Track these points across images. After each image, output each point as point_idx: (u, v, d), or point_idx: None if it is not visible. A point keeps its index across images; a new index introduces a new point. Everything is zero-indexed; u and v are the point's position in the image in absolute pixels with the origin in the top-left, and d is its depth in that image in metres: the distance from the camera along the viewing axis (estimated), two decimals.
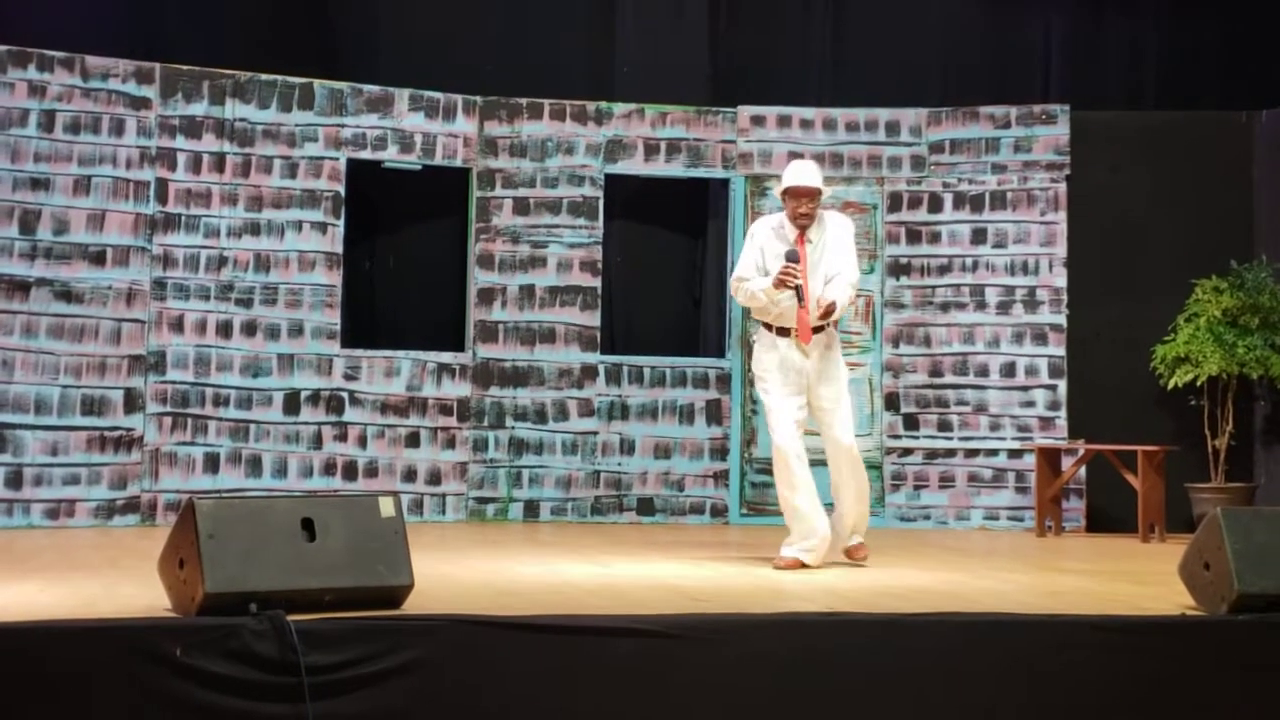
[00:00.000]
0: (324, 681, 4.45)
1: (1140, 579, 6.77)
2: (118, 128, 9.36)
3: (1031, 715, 4.78)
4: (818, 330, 7.02)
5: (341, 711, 4.47)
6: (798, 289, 6.90)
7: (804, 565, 6.90)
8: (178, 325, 9.45)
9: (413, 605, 5.01)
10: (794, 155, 10.36)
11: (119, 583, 5.87)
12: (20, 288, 9.06)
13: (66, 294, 9.17)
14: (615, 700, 4.66)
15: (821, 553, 6.98)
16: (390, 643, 4.55)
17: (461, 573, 6.58)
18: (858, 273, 7.22)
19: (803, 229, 7.09)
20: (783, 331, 7.03)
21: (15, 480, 8.95)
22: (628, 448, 10.17)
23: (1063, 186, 10.30)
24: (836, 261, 7.08)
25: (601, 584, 6.26)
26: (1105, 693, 4.80)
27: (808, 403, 7.08)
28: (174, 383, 9.41)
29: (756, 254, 7.17)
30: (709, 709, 4.69)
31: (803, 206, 7.06)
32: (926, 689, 4.78)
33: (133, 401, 9.30)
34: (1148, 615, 5.14)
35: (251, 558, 4.75)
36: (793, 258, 6.94)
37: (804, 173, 7.16)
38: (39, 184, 9.14)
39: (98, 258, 9.27)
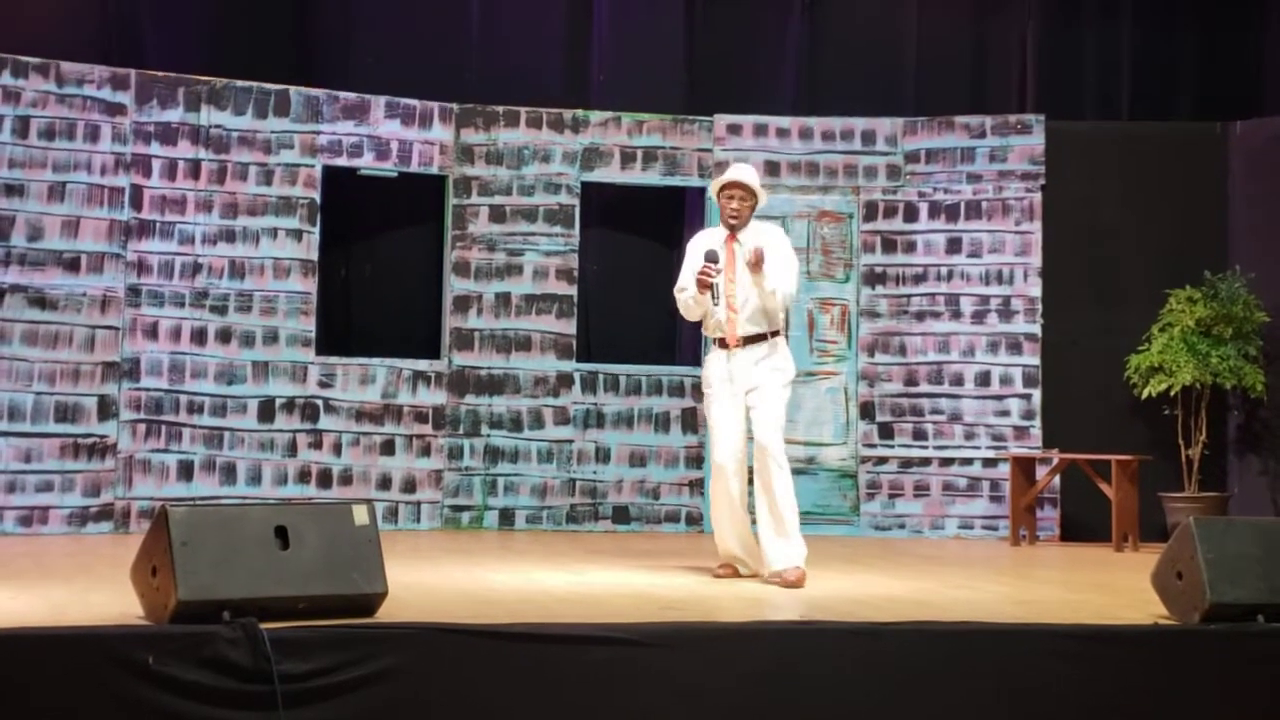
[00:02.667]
0: (297, 689, 4.45)
1: (1113, 588, 6.79)
2: (93, 134, 9.33)
3: None
4: (756, 340, 6.86)
5: (314, 719, 4.46)
6: (714, 287, 6.77)
7: (734, 573, 7.02)
8: (152, 332, 9.41)
9: (386, 613, 5.01)
10: (769, 164, 10.42)
11: (91, 590, 5.84)
12: None
13: (40, 300, 9.13)
14: (588, 708, 4.66)
15: (741, 563, 7.06)
16: (363, 651, 4.54)
17: (436, 580, 6.57)
18: (794, 283, 7.02)
19: (732, 229, 6.97)
20: (722, 343, 6.93)
21: None
22: (603, 456, 10.17)
23: (1038, 196, 10.34)
24: (774, 272, 6.86)
25: (575, 592, 6.27)
26: (1076, 703, 4.81)
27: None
28: (148, 390, 9.38)
29: (694, 261, 6.99)
30: (681, 717, 4.69)
31: (733, 202, 6.95)
32: (896, 698, 4.79)
33: (106, 408, 9.27)
34: (1119, 625, 5.16)
35: (224, 565, 4.74)
36: (711, 258, 6.80)
37: (738, 170, 7.13)
38: (13, 190, 9.11)
39: (72, 264, 9.23)
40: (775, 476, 6.75)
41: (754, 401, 6.81)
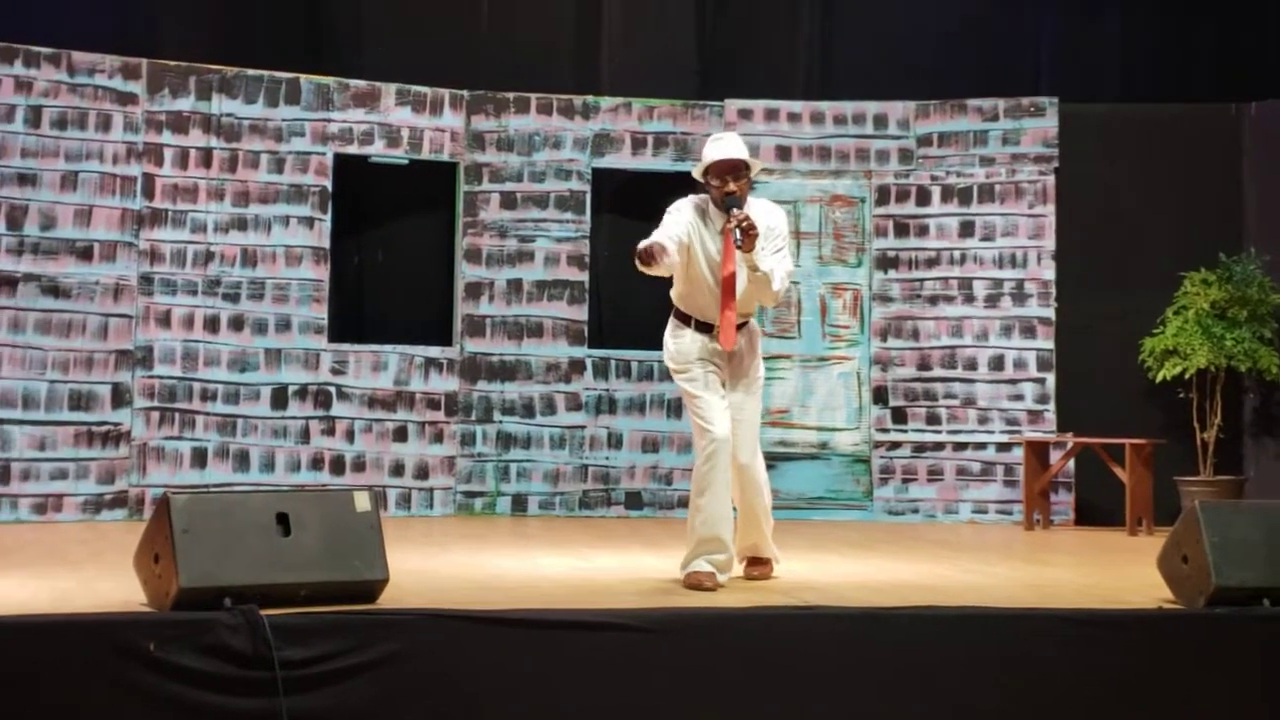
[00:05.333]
0: (298, 676, 4.47)
1: (1123, 573, 6.77)
2: (104, 123, 9.35)
3: (1006, 709, 4.78)
4: (738, 329, 6.10)
5: (315, 706, 4.48)
6: (745, 231, 5.83)
7: (716, 584, 5.89)
8: (165, 320, 9.44)
9: (388, 599, 5.02)
10: (781, 149, 10.39)
11: (98, 578, 5.87)
12: (7, 283, 9.06)
13: (54, 289, 9.17)
14: (589, 694, 4.66)
15: (729, 570, 6.06)
16: (363, 637, 4.56)
17: (442, 567, 6.59)
18: (790, 267, 6.16)
19: (731, 210, 5.93)
20: (702, 327, 6.11)
21: (3, 475, 8.95)
22: (615, 441, 10.17)
23: (1051, 179, 10.29)
24: (766, 259, 6.00)
25: (580, 578, 6.27)
26: (1080, 686, 4.80)
27: None
28: (161, 377, 9.41)
29: (680, 228, 6.04)
30: (682, 703, 4.70)
31: (728, 185, 5.96)
32: (901, 682, 4.78)
33: (120, 396, 9.30)
34: (1123, 609, 5.15)
35: (226, 552, 4.76)
36: (735, 204, 5.92)
37: (727, 145, 6.08)
38: (26, 179, 9.14)
39: (85, 253, 9.26)
40: (763, 494, 6.22)
41: (733, 406, 6.09)
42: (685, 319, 6.20)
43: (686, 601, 5.40)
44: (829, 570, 6.77)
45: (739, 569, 6.23)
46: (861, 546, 8.07)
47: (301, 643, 4.49)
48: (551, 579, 6.20)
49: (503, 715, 4.62)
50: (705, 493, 5.95)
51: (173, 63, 9.57)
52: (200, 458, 9.45)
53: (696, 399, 6.07)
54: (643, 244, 5.87)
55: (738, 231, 5.85)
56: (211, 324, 9.55)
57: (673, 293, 6.30)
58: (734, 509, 6.14)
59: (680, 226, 6.06)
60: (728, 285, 6.04)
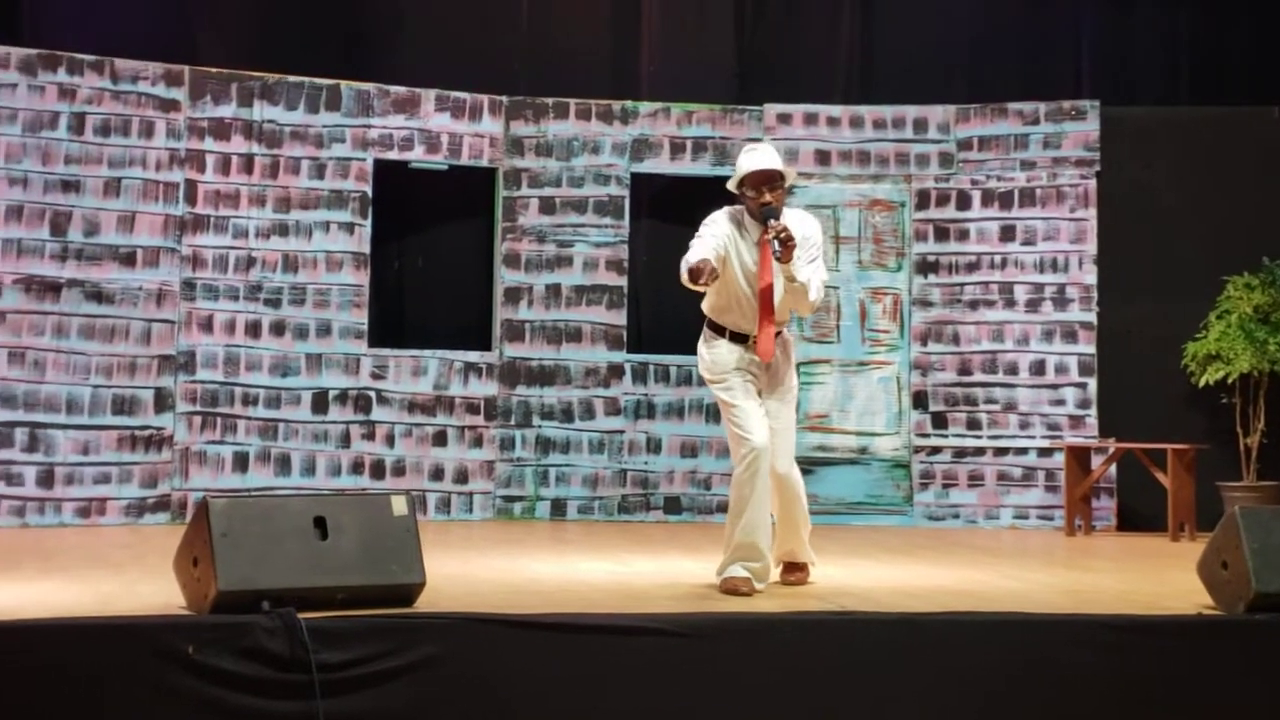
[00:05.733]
0: (335, 679, 4.49)
1: (1164, 579, 6.73)
2: (147, 130, 9.43)
3: (1043, 715, 4.76)
4: (775, 334, 6.12)
5: (352, 708, 4.50)
6: (784, 242, 5.81)
7: (752, 590, 5.88)
8: (207, 325, 9.51)
9: (425, 603, 5.04)
10: (820, 154, 10.38)
11: (139, 581, 5.92)
12: (51, 289, 9.14)
13: (97, 295, 9.24)
14: (624, 698, 4.67)
15: (766, 578, 6.04)
16: (400, 640, 4.57)
17: (479, 571, 6.61)
18: (825, 276, 6.17)
19: (768, 221, 5.93)
20: (737, 338, 6.11)
21: (47, 479, 9.03)
22: (654, 446, 10.18)
23: (1092, 183, 10.24)
24: (803, 269, 6.00)
25: (617, 582, 6.28)
26: (1117, 693, 4.77)
27: None
28: (203, 382, 9.48)
29: (718, 241, 6.06)
30: (718, 708, 4.70)
31: (765, 195, 5.97)
32: (938, 687, 4.77)
33: (163, 401, 9.37)
34: (1162, 615, 5.11)
35: (264, 556, 4.78)
36: (772, 214, 5.92)
37: (763, 156, 6.09)
38: (69, 186, 9.22)
39: (128, 259, 9.34)
40: (801, 502, 6.21)
41: (769, 414, 6.08)
42: (719, 330, 6.20)
43: (722, 606, 5.39)
44: (867, 575, 6.75)
45: (775, 575, 6.22)
46: (901, 552, 8.05)
47: (339, 646, 4.51)
48: (588, 583, 6.21)
49: (539, 717, 4.62)
50: (744, 500, 5.95)
51: (215, 69, 9.65)
52: (242, 462, 9.51)
53: (734, 408, 6.06)
54: (689, 261, 5.88)
55: (776, 242, 5.84)
56: (253, 329, 9.61)
57: (705, 305, 6.30)
58: (772, 517, 6.12)
59: (717, 240, 6.06)
60: (765, 296, 6.04)
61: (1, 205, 9.04)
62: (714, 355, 6.19)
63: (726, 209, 6.23)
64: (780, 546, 6.22)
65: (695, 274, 5.84)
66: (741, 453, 5.99)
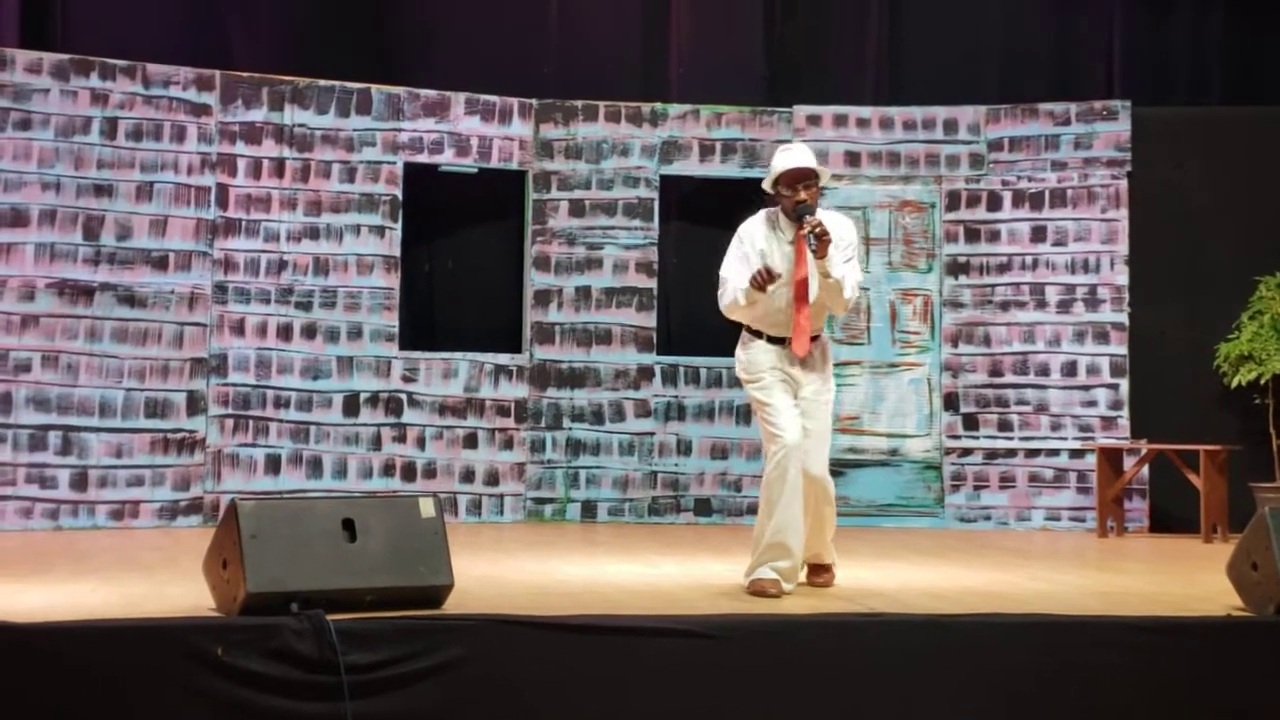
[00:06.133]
0: (363, 680, 4.49)
1: (1195, 580, 6.70)
2: (179, 134, 9.48)
3: (1070, 716, 4.74)
4: (811, 340, 6.19)
5: (380, 710, 4.50)
6: (819, 237, 5.91)
7: (780, 592, 5.90)
8: (239, 328, 9.56)
9: (454, 605, 5.06)
10: (849, 155, 10.37)
11: (170, 583, 5.95)
12: (84, 293, 9.20)
13: (130, 298, 9.30)
14: (651, 699, 4.66)
15: (794, 579, 6.07)
16: (428, 642, 4.58)
17: (508, 573, 6.62)
18: (859, 276, 6.26)
19: (802, 221, 6.02)
20: (774, 340, 6.18)
21: (80, 482, 9.09)
22: (685, 448, 10.19)
23: (1124, 183, 10.20)
24: (839, 266, 6.09)
25: (645, 584, 6.28)
26: (1145, 694, 4.74)
27: None
28: (235, 385, 9.53)
29: (752, 256, 6.17)
30: (745, 709, 4.69)
31: (800, 194, 6.04)
32: (965, 689, 4.75)
33: (195, 404, 9.42)
34: (1190, 616, 5.09)
35: (293, 558, 4.82)
36: (807, 211, 5.99)
37: (797, 155, 6.17)
38: (102, 190, 9.28)
39: (160, 262, 9.39)
40: (830, 503, 6.24)
41: (804, 417, 6.10)
42: (756, 334, 6.27)
43: (750, 607, 5.39)
44: (896, 577, 6.74)
45: (802, 576, 6.23)
46: (931, 554, 8.03)
47: (367, 647, 4.52)
48: (616, 585, 6.22)
49: (566, 719, 4.64)
50: (774, 501, 5.97)
51: (246, 74, 9.70)
52: (274, 464, 9.56)
53: (767, 405, 6.11)
54: (739, 287, 6.09)
55: (811, 238, 5.92)
56: (284, 332, 9.66)
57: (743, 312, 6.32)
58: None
59: (747, 259, 6.17)
60: (800, 290, 6.11)
61: (35, 209, 9.10)
62: (750, 355, 6.26)
63: (761, 212, 6.32)
64: (807, 550, 6.21)
65: (763, 280, 5.96)
66: (772, 449, 6.03)
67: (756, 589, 5.89)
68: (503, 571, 6.66)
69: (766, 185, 6.26)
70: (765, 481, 6.05)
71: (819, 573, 6.33)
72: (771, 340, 6.20)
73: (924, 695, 4.76)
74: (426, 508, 5.11)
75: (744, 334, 6.33)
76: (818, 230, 5.92)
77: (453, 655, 4.58)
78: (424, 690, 4.55)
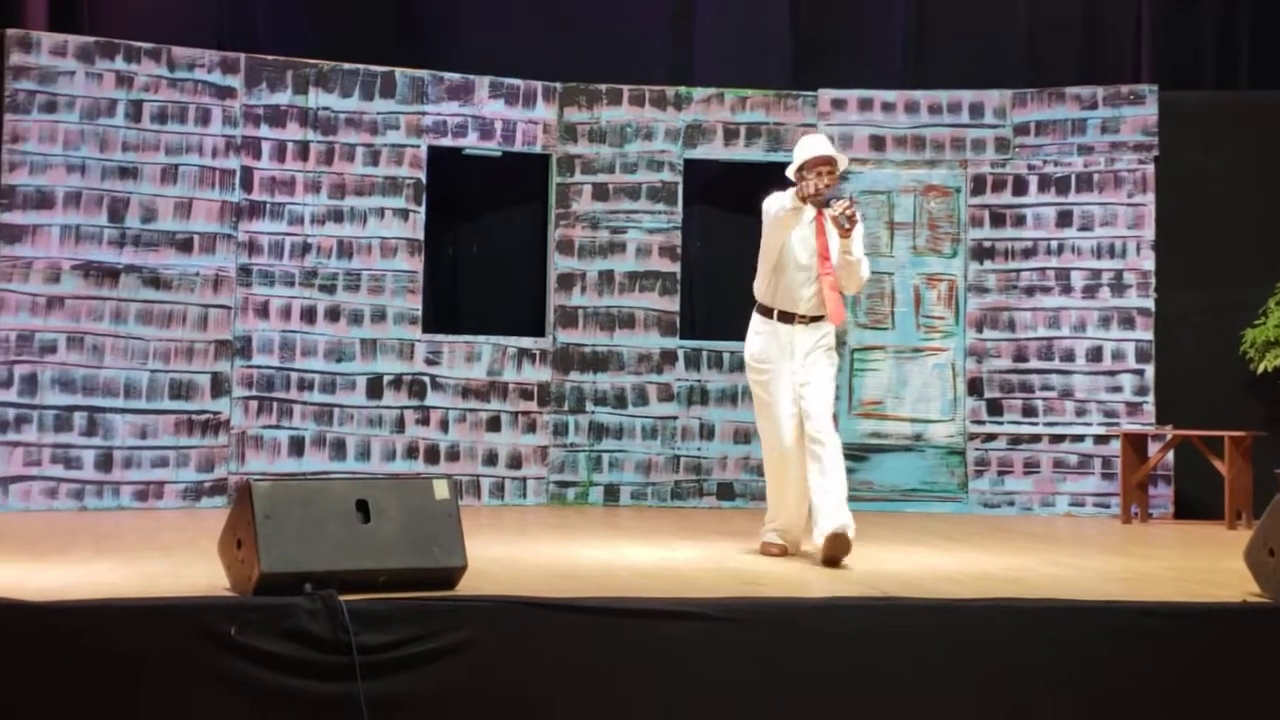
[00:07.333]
0: (375, 660, 4.51)
1: (1217, 566, 6.66)
2: (203, 117, 9.51)
3: (1084, 702, 4.73)
4: (820, 317, 6.78)
5: (392, 690, 4.53)
6: (850, 217, 6.57)
7: (784, 552, 6.74)
8: (263, 311, 9.59)
9: (468, 586, 5.06)
10: (874, 139, 10.34)
11: (187, 563, 5.97)
12: (110, 274, 9.24)
13: (155, 280, 9.34)
14: (665, 682, 4.67)
15: (796, 542, 6.81)
16: (440, 623, 4.60)
17: (525, 555, 6.63)
18: (869, 267, 6.94)
19: (821, 207, 6.75)
20: (785, 317, 6.79)
21: (105, 463, 9.14)
22: (708, 433, 10.18)
23: (1150, 168, 10.13)
24: (859, 246, 6.80)
25: (661, 568, 6.28)
26: (1160, 680, 4.73)
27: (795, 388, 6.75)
28: (259, 367, 9.56)
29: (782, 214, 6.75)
30: (760, 692, 4.69)
31: (823, 179, 6.69)
32: (977, 674, 4.75)
33: (219, 386, 9.46)
34: (1206, 602, 5.06)
35: (307, 539, 4.83)
36: (834, 195, 6.79)
37: (820, 144, 6.89)
38: (127, 173, 9.32)
39: (185, 245, 9.43)
40: (831, 460, 6.55)
41: (807, 379, 6.67)
42: (768, 312, 6.86)
43: (765, 591, 5.39)
44: (917, 562, 6.72)
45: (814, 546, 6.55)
46: (953, 539, 8.01)
47: (379, 628, 4.54)
48: (634, 569, 6.22)
49: (577, 702, 4.65)
50: (779, 495, 6.84)
51: (270, 57, 9.72)
52: (297, 446, 9.59)
53: (769, 405, 6.81)
54: (785, 198, 6.71)
55: (843, 218, 6.56)
56: (308, 315, 9.68)
57: (757, 288, 6.97)
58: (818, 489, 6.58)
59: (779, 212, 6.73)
60: (824, 256, 6.72)
61: (60, 192, 9.14)
62: (759, 342, 6.88)
63: (775, 195, 6.86)
64: (831, 521, 6.36)
65: (806, 194, 6.64)
66: (767, 446, 6.87)
67: (763, 550, 6.83)
68: (519, 554, 6.67)
69: (791, 171, 6.83)
70: (768, 473, 6.94)
71: (835, 545, 6.33)
72: (783, 317, 6.79)
73: (937, 679, 4.76)
74: (441, 489, 5.12)
75: (755, 317, 6.94)
76: (848, 212, 6.56)
77: (465, 637, 4.60)
78: (436, 671, 4.57)
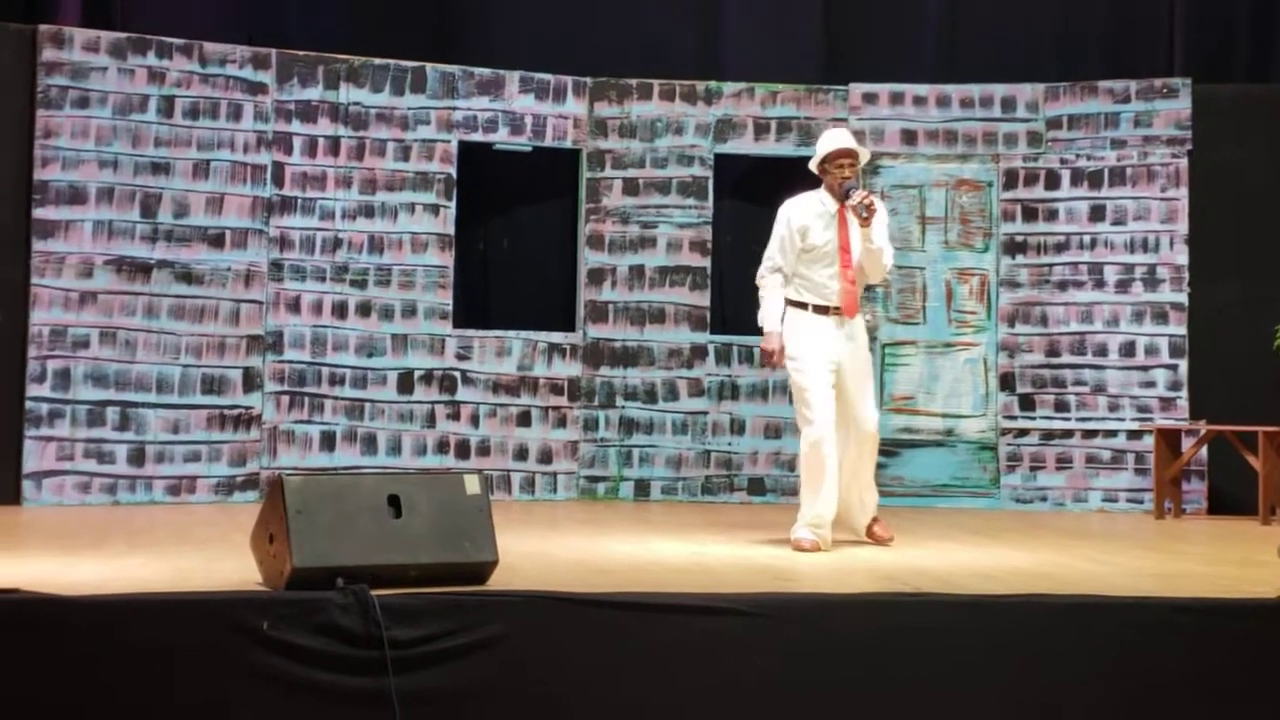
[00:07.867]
0: (406, 655, 4.51)
1: (1251, 562, 6.62)
2: (235, 113, 9.54)
3: (1115, 698, 4.71)
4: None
5: (423, 685, 4.53)
6: (868, 207, 6.84)
7: (818, 548, 6.75)
8: (294, 306, 9.62)
9: (499, 581, 5.07)
10: (905, 133, 10.31)
11: (219, 558, 6.01)
12: (142, 270, 9.29)
13: (187, 275, 9.38)
14: (694, 677, 4.67)
15: (829, 536, 6.89)
16: (471, 618, 4.60)
17: (556, 550, 6.64)
18: (891, 251, 7.12)
19: (841, 201, 7.00)
20: (820, 309, 7.00)
21: (138, 457, 9.19)
22: (738, 427, 10.17)
23: (1184, 162, 10.07)
24: (880, 235, 7.03)
25: (693, 563, 6.28)
26: (1192, 676, 4.70)
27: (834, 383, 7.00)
28: (291, 362, 9.59)
29: (793, 237, 7.04)
30: (787, 688, 4.68)
31: (845, 171, 6.96)
32: (1009, 669, 4.72)
33: (251, 380, 9.50)
34: (1238, 598, 5.02)
35: (338, 534, 4.85)
36: (853, 186, 6.92)
37: (842, 137, 7.12)
38: (159, 168, 9.36)
39: (217, 240, 9.46)
40: (871, 459, 7.09)
41: (851, 381, 6.95)
42: (802, 305, 7.03)
43: (796, 587, 5.38)
44: (948, 558, 6.71)
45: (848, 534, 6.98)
46: (985, 534, 7.98)
47: (411, 623, 4.54)
48: (663, 564, 6.22)
49: (608, 696, 4.64)
50: (813, 484, 6.82)
51: (301, 53, 9.74)
52: (329, 441, 9.62)
53: (805, 390, 6.88)
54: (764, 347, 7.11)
55: (862, 208, 6.79)
56: (339, 310, 9.71)
57: (787, 290, 7.11)
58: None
59: (788, 236, 7.03)
60: (845, 258, 6.92)
61: (93, 187, 9.19)
62: (795, 335, 6.99)
63: (804, 193, 7.16)
64: (863, 511, 7.07)
65: (765, 355, 7.13)
66: (807, 431, 6.86)
67: (795, 546, 6.79)
68: (550, 549, 6.68)
69: (814, 165, 7.09)
70: (803, 462, 6.92)
71: (879, 528, 7.09)
72: (817, 310, 6.98)
73: (967, 674, 4.74)
74: (472, 484, 5.13)
75: (789, 312, 7.07)
76: (866, 201, 6.81)
77: (496, 631, 4.60)
78: (467, 666, 4.57)
